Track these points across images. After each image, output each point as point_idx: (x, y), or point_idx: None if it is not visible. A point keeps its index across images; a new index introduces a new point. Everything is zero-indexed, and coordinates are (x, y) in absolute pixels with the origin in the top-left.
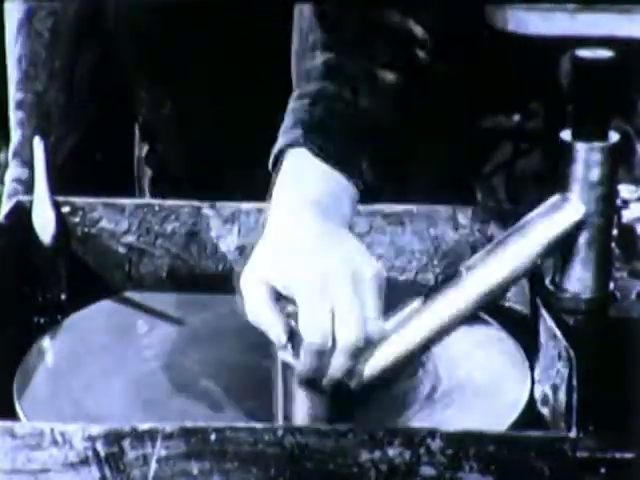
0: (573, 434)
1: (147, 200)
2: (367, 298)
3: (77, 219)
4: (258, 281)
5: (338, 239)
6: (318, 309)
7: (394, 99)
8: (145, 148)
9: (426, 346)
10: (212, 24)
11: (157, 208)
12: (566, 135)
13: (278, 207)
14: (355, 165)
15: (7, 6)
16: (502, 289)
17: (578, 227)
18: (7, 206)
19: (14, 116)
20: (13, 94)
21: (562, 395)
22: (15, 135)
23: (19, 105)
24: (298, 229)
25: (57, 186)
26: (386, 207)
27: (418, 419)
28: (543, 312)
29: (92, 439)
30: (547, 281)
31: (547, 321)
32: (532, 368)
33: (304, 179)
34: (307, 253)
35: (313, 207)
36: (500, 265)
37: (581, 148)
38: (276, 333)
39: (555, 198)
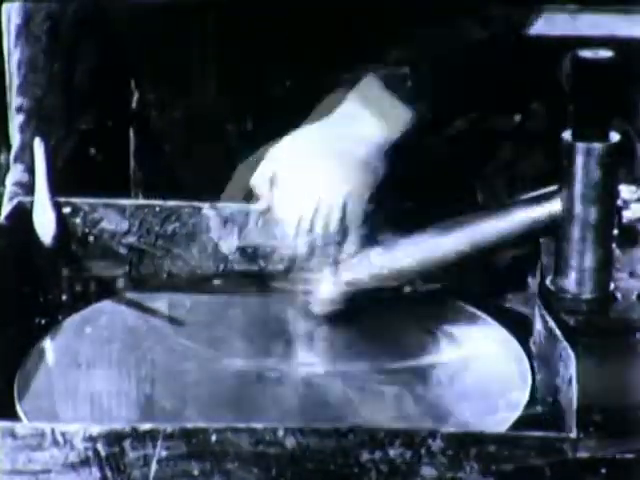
0: (573, 434)
1: (148, 201)
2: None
3: (78, 220)
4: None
5: (354, 164)
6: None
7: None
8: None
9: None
10: (213, 25)
11: (158, 209)
12: (567, 135)
13: (337, 110)
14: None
15: (4, 10)
16: (460, 258)
17: (552, 224)
18: (8, 207)
19: (14, 120)
20: (13, 98)
21: (562, 396)
22: (15, 139)
23: (19, 109)
24: (327, 143)
25: (58, 187)
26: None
27: (419, 420)
28: (543, 312)
29: (93, 439)
30: (547, 281)
31: (547, 321)
32: (532, 368)
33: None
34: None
35: (356, 124)
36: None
37: (582, 148)
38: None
39: (538, 192)
